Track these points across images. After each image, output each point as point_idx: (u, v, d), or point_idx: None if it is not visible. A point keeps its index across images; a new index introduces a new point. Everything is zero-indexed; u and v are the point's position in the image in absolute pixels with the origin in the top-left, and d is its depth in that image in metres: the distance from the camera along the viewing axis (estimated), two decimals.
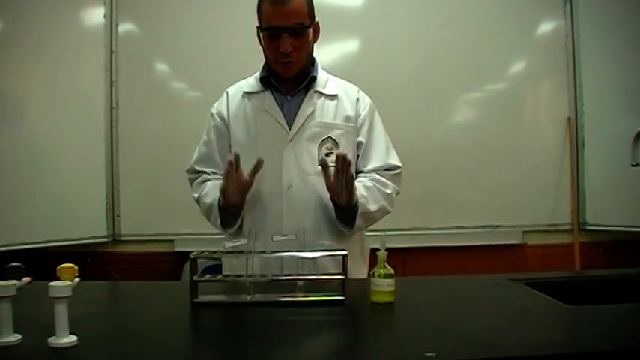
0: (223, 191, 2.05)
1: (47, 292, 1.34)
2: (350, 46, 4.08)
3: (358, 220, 2.10)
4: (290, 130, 2.17)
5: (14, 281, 1.38)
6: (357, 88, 2.33)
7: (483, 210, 4.05)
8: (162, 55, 4.03)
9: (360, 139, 2.25)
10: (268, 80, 2.23)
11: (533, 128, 4.14)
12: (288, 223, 2.07)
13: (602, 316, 1.65)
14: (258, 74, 2.27)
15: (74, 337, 1.35)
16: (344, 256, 1.80)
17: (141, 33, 4.03)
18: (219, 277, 1.94)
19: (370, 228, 2.26)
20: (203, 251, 1.85)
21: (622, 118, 3.78)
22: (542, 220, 4.07)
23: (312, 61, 2.26)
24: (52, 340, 1.34)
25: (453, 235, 4.02)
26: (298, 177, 2.16)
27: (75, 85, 3.79)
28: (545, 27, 4.12)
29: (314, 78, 2.23)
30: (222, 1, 3.99)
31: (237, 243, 2.11)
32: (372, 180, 2.20)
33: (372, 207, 2.12)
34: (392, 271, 1.74)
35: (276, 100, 2.22)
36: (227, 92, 2.33)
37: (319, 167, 2.14)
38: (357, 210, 2.08)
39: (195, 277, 1.77)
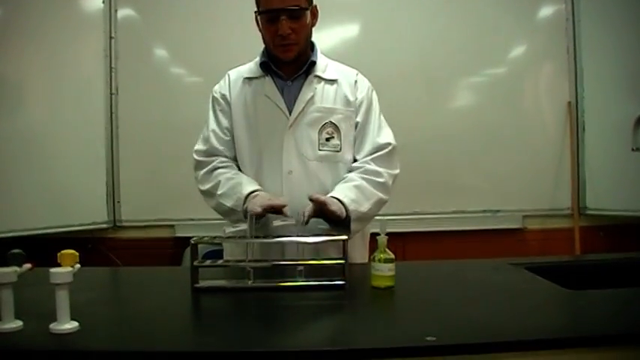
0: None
1: (48, 279, 1.35)
2: (350, 30, 4.06)
3: (353, 226, 2.05)
4: (290, 115, 2.16)
5: (15, 268, 1.38)
6: (355, 72, 2.31)
7: (483, 194, 4.05)
8: (161, 41, 4.01)
9: (357, 119, 2.23)
10: (268, 66, 2.21)
11: (534, 113, 4.13)
12: (289, 209, 2.06)
13: (601, 300, 1.66)
14: (257, 59, 2.25)
15: (75, 323, 1.36)
16: (344, 240, 1.80)
17: (140, 18, 4.01)
18: (219, 262, 1.95)
19: None
20: (203, 237, 1.86)
21: (622, 102, 3.77)
22: (543, 204, 4.07)
23: (311, 46, 2.25)
24: (53, 326, 1.35)
25: (453, 219, 4.02)
26: (298, 162, 2.15)
27: (74, 72, 3.77)
28: (546, 11, 4.10)
29: (313, 63, 2.21)
30: None
31: (238, 228, 2.11)
32: (363, 173, 2.16)
33: (364, 207, 2.07)
34: (392, 256, 1.74)
35: (276, 85, 2.21)
36: (228, 75, 2.31)
37: (319, 152, 2.14)
38: (350, 218, 2.03)
39: (195, 263, 1.78)
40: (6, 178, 3.41)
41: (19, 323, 1.37)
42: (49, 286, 1.35)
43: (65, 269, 1.36)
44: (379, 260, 1.74)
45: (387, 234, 1.76)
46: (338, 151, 2.19)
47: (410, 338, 1.33)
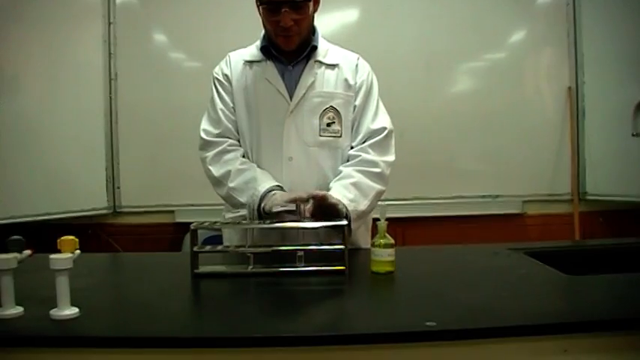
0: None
1: (48, 265, 1.35)
2: (349, 15, 4.04)
3: (354, 225, 2.03)
4: (291, 100, 2.15)
5: (15, 254, 1.38)
6: (357, 56, 2.29)
7: (483, 179, 4.05)
8: (160, 26, 4.00)
9: (355, 102, 2.21)
10: (269, 50, 2.19)
11: (534, 98, 4.12)
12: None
13: (601, 285, 1.66)
14: (258, 43, 2.23)
15: (76, 309, 1.36)
16: (344, 226, 1.80)
17: (139, 4, 3.99)
18: (219, 248, 1.95)
19: None
20: (203, 222, 1.86)
21: (622, 87, 3.76)
22: (542, 189, 4.07)
23: (312, 31, 2.22)
24: (53, 312, 1.35)
25: (452, 204, 4.02)
26: (299, 149, 2.14)
27: (73, 57, 3.76)
28: None
29: (315, 48, 2.19)
30: None
31: (238, 214, 2.11)
32: (359, 164, 2.14)
33: (363, 205, 2.05)
34: (392, 241, 1.74)
35: (277, 70, 2.19)
36: (229, 56, 2.29)
37: (319, 138, 2.13)
38: (350, 218, 1.99)
39: (195, 249, 1.78)
40: (6, 164, 3.41)
41: (19, 309, 1.38)
42: (49, 272, 1.35)
43: (65, 255, 1.36)
44: (379, 245, 1.74)
45: (387, 219, 1.76)
46: (339, 137, 2.17)
47: (410, 323, 1.33)
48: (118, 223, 3.99)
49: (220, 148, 2.17)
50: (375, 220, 1.79)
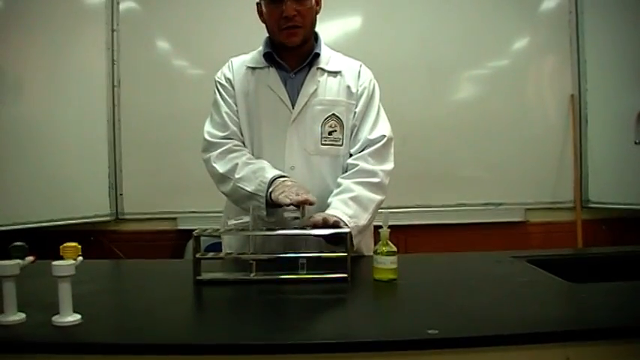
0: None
1: (51, 271, 1.35)
2: (352, 22, 4.05)
3: (355, 240, 1.99)
4: (293, 109, 2.14)
5: (18, 260, 1.38)
6: (359, 63, 2.28)
7: (486, 187, 4.05)
8: (163, 33, 4.01)
9: (356, 109, 2.20)
10: (271, 56, 2.19)
11: (536, 105, 4.13)
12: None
13: (604, 293, 1.66)
14: (261, 49, 2.23)
15: (78, 316, 1.36)
16: (347, 233, 1.80)
17: (142, 11, 4.00)
18: (222, 254, 1.95)
19: None
20: (206, 229, 1.86)
21: (625, 95, 3.77)
22: (545, 197, 4.07)
23: (315, 38, 2.22)
24: (55, 318, 1.35)
25: (455, 212, 4.02)
26: (301, 158, 2.13)
27: (76, 64, 3.77)
28: (549, 3, 4.09)
29: (317, 55, 2.19)
30: None
31: (241, 221, 2.11)
32: (357, 176, 2.11)
33: (363, 220, 2.04)
34: (394, 249, 1.74)
35: (279, 77, 2.18)
36: (231, 61, 2.28)
37: (321, 147, 2.13)
38: (350, 235, 1.92)
39: (198, 255, 1.78)
40: (8, 170, 3.41)
41: (21, 316, 1.37)
42: (51, 279, 1.35)
43: (68, 262, 1.36)
44: (381, 253, 1.74)
45: (390, 227, 1.76)
46: (340, 145, 2.17)
47: (412, 331, 1.33)
48: (120, 230, 3.99)
49: (225, 147, 2.14)
50: (378, 227, 1.78)
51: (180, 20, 3.97)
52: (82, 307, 1.39)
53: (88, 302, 1.47)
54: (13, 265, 1.36)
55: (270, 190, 1.97)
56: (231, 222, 2.17)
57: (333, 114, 2.16)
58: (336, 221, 1.92)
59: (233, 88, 2.21)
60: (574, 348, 1.30)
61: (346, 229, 1.83)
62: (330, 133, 2.15)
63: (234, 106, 2.20)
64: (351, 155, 2.18)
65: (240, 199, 2.09)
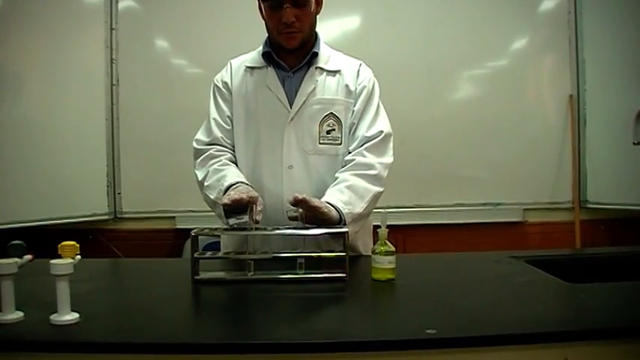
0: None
1: (49, 270, 1.35)
2: (351, 22, 4.06)
3: (350, 228, 1.94)
4: (291, 108, 2.14)
5: (16, 259, 1.38)
6: (359, 62, 2.27)
7: (484, 187, 4.05)
8: (162, 32, 4.01)
9: (355, 107, 2.19)
10: (270, 56, 2.19)
11: (535, 105, 4.13)
12: (289, 204, 2.05)
13: (602, 293, 1.66)
14: (260, 49, 2.23)
15: (76, 315, 1.36)
16: (345, 233, 1.80)
17: (141, 9, 4.00)
18: (220, 254, 1.94)
19: None
20: (204, 228, 1.85)
21: (624, 95, 3.77)
22: (543, 197, 4.07)
23: (314, 37, 2.22)
24: (53, 317, 1.35)
25: (453, 212, 4.02)
26: (299, 157, 2.13)
27: (75, 63, 3.77)
28: (548, 3, 4.09)
29: (316, 54, 2.18)
30: None
31: (242, 220, 2.10)
32: (354, 168, 2.10)
33: (359, 208, 2.01)
34: (393, 249, 1.74)
35: (278, 76, 2.18)
36: (230, 63, 2.29)
37: (319, 146, 2.12)
38: (344, 221, 1.95)
39: (196, 255, 1.78)
40: (6, 169, 3.41)
41: (19, 314, 1.37)
42: (49, 278, 1.35)
43: (66, 261, 1.36)
44: (380, 253, 1.74)
45: (388, 226, 1.76)
46: (338, 144, 2.16)
47: (410, 331, 1.33)
48: (118, 229, 3.99)
49: (207, 154, 2.16)
50: (376, 227, 1.78)
51: (179, 19, 3.97)
52: (80, 305, 1.39)
53: (86, 301, 1.47)
54: (11, 263, 1.36)
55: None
56: (232, 221, 2.16)
57: (331, 113, 2.15)
58: (316, 206, 1.89)
59: (229, 91, 2.22)
60: (572, 348, 1.30)
61: (344, 229, 1.83)
62: (328, 132, 2.14)
63: (226, 111, 2.21)
64: (349, 153, 2.17)
65: (210, 205, 2.10)
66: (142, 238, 3.94)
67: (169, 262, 2.68)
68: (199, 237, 1.81)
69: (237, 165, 2.16)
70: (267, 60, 2.19)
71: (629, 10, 3.81)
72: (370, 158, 2.12)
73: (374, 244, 1.80)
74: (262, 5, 2.09)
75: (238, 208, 1.85)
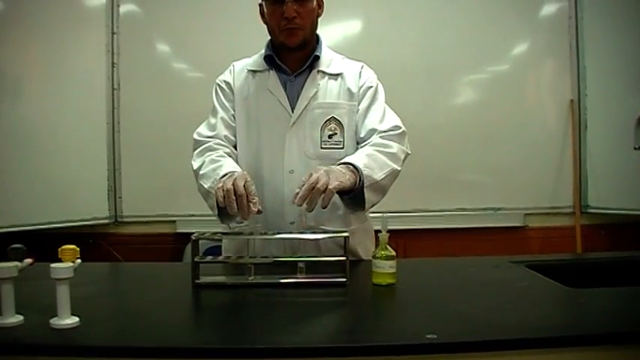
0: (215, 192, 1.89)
1: (49, 274, 1.34)
2: (352, 26, 4.06)
3: (367, 194, 1.95)
4: (293, 112, 2.14)
5: (16, 263, 1.38)
6: (361, 64, 2.28)
7: (485, 192, 4.05)
8: (163, 36, 4.02)
9: (359, 107, 2.19)
10: (272, 59, 2.19)
11: (536, 110, 4.13)
12: (290, 208, 2.04)
13: (602, 298, 1.66)
14: (263, 52, 2.23)
15: (76, 318, 1.36)
16: (345, 237, 1.80)
17: (142, 14, 4.01)
18: (220, 258, 1.94)
19: (371, 209, 2.13)
20: (204, 233, 1.85)
21: (625, 100, 3.77)
22: (544, 202, 4.07)
23: (316, 40, 2.22)
24: (53, 321, 1.35)
25: (454, 216, 4.02)
26: (300, 162, 2.12)
27: (76, 67, 3.78)
28: (549, 8, 4.09)
29: (317, 57, 2.18)
30: None
31: (244, 224, 2.09)
32: (373, 145, 2.08)
33: (379, 174, 1.97)
34: (393, 253, 1.74)
35: (279, 80, 2.18)
36: (233, 65, 2.29)
37: (321, 151, 2.12)
38: (363, 185, 1.94)
39: (196, 259, 1.78)
40: (7, 172, 3.42)
41: (19, 318, 1.37)
42: (49, 281, 1.35)
43: (66, 264, 1.36)
44: (380, 257, 1.73)
45: (389, 231, 1.76)
46: (341, 148, 2.15)
47: (411, 336, 1.33)
48: (119, 233, 3.99)
49: (206, 145, 2.15)
50: (377, 231, 1.78)
51: (180, 23, 3.98)
52: (81, 309, 1.39)
53: (86, 305, 1.47)
54: (11, 267, 1.36)
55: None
56: (234, 225, 2.16)
57: (333, 117, 2.15)
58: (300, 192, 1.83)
59: (232, 92, 2.22)
60: (572, 353, 1.30)
61: (345, 233, 1.82)
62: (330, 137, 2.14)
63: (231, 110, 2.21)
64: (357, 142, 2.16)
65: (203, 196, 2.06)
66: (142, 242, 3.94)
67: (170, 267, 2.68)
68: (200, 241, 1.81)
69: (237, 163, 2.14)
70: (269, 63, 2.19)
71: (630, 15, 3.82)
72: (387, 141, 2.10)
73: (375, 248, 1.80)
74: (264, 4, 2.10)
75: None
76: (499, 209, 4.05)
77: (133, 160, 3.96)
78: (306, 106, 2.14)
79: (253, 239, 1.85)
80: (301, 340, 1.34)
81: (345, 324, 1.54)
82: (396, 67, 3.82)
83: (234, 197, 1.79)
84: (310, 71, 2.19)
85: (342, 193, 1.94)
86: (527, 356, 1.29)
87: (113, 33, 3.93)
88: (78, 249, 1.41)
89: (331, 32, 3.76)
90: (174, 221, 3.98)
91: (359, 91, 2.20)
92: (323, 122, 2.15)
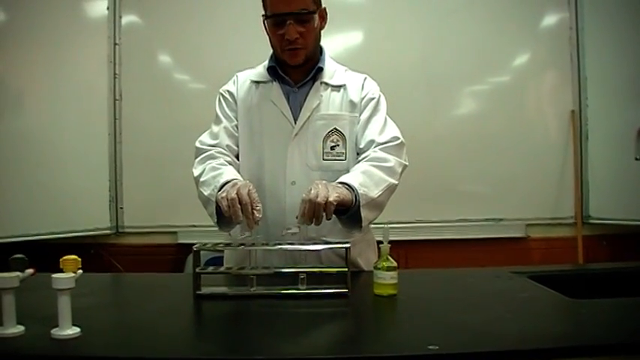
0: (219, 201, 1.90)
1: (50, 284, 1.34)
2: (352, 37, 4.07)
3: (364, 213, 1.93)
4: (295, 123, 2.13)
5: (17, 273, 1.38)
6: (364, 76, 2.27)
7: (486, 203, 4.05)
8: (165, 47, 4.03)
9: (360, 117, 2.18)
10: (275, 70, 2.19)
11: (537, 121, 4.14)
12: (291, 219, 2.04)
13: (604, 309, 1.65)
14: (266, 63, 2.23)
15: (77, 329, 1.36)
16: (347, 248, 1.80)
17: (144, 25, 4.03)
18: (222, 269, 1.94)
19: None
20: (206, 243, 1.85)
21: (626, 111, 3.78)
22: (546, 213, 4.07)
23: (319, 51, 2.22)
24: (55, 331, 1.35)
25: (455, 227, 4.02)
26: (302, 173, 2.11)
27: (78, 77, 3.79)
28: (550, 19, 4.11)
29: (321, 69, 2.18)
30: None
31: (246, 235, 2.09)
32: (369, 160, 2.07)
33: (375, 192, 1.96)
34: (395, 264, 1.74)
35: (282, 91, 2.18)
36: (237, 76, 2.29)
37: (323, 162, 2.12)
38: (359, 204, 1.92)
39: (198, 270, 1.78)
40: (9, 182, 3.42)
41: (20, 328, 1.37)
42: (51, 292, 1.35)
43: (67, 275, 1.36)
44: (382, 268, 1.73)
45: (390, 242, 1.76)
46: (343, 160, 2.15)
47: (412, 347, 1.33)
48: (120, 244, 3.99)
49: (208, 153, 2.16)
50: (378, 242, 1.78)
51: (182, 35, 3.99)
52: (82, 320, 1.39)
53: (87, 315, 1.47)
54: (12, 277, 1.36)
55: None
56: (234, 234, 2.14)
57: (335, 128, 2.15)
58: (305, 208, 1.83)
59: (236, 102, 2.23)
60: None
61: (346, 245, 1.82)
62: (332, 148, 2.14)
63: (234, 120, 2.22)
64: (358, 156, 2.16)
65: (203, 204, 2.06)
66: (143, 253, 3.94)
67: (171, 277, 2.67)
68: (201, 252, 1.81)
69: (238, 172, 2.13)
70: (273, 75, 2.20)
71: (631, 26, 3.83)
72: (385, 154, 2.09)
73: (376, 259, 1.80)
74: (266, 22, 2.09)
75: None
76: (500, 220, 4.05)
77: (134, 171, 3.97)
78: (309, 117, 2.14)
79: (255, 250, 1.85)
80: (303, 351, 1.34)
81: (347, 335, 1.53)
82: (397, 78, 3.83)
83: (238, 206, 1.80)
84: (313, 83, 2.19)
85: (339, 212, 1.93)
86: None
87: (115, 44, 3.95)
88: (79, 259, 1.41)
89: (332, 43, 3.76)
90: (175, 232, 3.98)
91: (361, 102, 2.20)
92: (325, 134, 2.14)
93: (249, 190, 1.83)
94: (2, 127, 3.45)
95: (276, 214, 2.10)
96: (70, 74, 3.73)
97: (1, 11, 3.52)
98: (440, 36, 4.05)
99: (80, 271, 1.41)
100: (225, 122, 2.22)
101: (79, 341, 1.34)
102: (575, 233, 4.02)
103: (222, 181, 1.96)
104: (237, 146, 2.21)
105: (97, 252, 3.88)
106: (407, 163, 2.16)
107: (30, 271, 1.42)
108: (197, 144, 2.22)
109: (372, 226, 2.24)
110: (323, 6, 2.14)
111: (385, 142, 2.13)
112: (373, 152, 2.11)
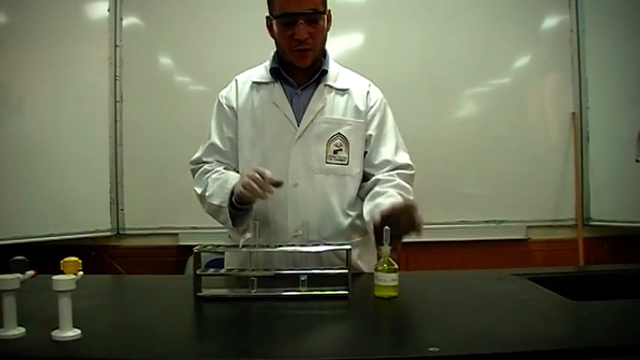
0: (238, 192, 1.97)
1: (51, 286, 1.34)
2: (354, 40, 4.07)
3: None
4: (299, 126, 2.12)
5: (18, 275, 1.38)
6: (368, 82, 2.27)
7: (487, 205, 4.05)
8: (166, 49, 4.03)
9: (369, 132, 2.18)
10: (278, 72, 2.17)
11: (538, 123, 4.14)
12: (293, 221, 2.04)
13: (605, 311, 1.65)
14: (267, 64, 2.21)
15: (78, 331, 1.36)
16: (347, 250, 1.80)
17: (145, 27, 4.03)
18: (222, 271, 1.94)
19: None
20: (207, 245, 1.85)
21: (627, 113, 3.78)
22: (546, 215, 4.07)
23: (323, 53, 2.20)
24: (55, 333, 1.35)
25: (456, 229, 4.02)
26: (305, 175, 2.11)
27: (79, 79, 3.79)
28: (550, 22, 4.11)
29: (325, 71, 2.17)
30: None
31: (248, 237, 2.09)
32: (396, 188, 2.09)
33: None
34: (395, 266, 1.73)
35: (285, 93, 2.16)
36: (236, 80, 2.27)
37: (326, 165, 2.12)
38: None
39: (198, 271, 1.77)
40: (10, 184, 3.42)
41: (21, 330, 1.37)
42: (51, 293, 1.35)
43: (68, 277, 1.36)
44: (382, 270, 1.73)
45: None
46: (345, 164, 2.15)
47: (413, 349, 1.33)
48: (121, 245, 3.99)
49: (201, 170, 2.19)
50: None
51: (183, 36, 3.99)
52: (82, 322, 1.38)
53: (88, 317, 1.47)
54: (13, 279, 1.36)
55: (234, 197, 2.00)
56: (240, 238, 2.14)
57: (339, 133, 2.14)
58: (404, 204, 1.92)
59: (234, 110, 2.21)
60: None
61: (347, 246, 1.82)
62: (335, 152, 2.13)
63: (226, 132, 2.21)
64: (368, 175, 2.19)
65: (214, 214, 2.11)
66: (144, 255, 3.93)
67: (172, 279, 2.67)
68: (202, 254, 1.81)
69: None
70: (275, 75, 2.18)
71: (631, 28, 3.83)
72: (408, 185, 2.15)
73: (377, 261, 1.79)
74: (274, 22, 2.07)
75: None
76: (501, 222, 4.05)
77: (135, 173, 3.97)
78: (313, 120, 2.13)
79: (255, 252, 1.84)
80: (303, 352, 1.34)
81: (347, 337, 1.53)
82: (398, 81, 3.83)
83: (254, 184, 1.88)
84: (317, 85, 2.17)
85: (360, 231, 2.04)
86: None
87: (116, 46, 3.95)
88: (80, 261, 1.41)
89: (334, 46, 3.72)
90: (176, 234, 3.98)
91: (367, 112, 2.20)
92: (329, 138, 2.14)
93: (253, 169, 1.91)
94: (3, 128, 3.45)
95: (278, 216, 2.10)
96: (70, 76, 3.73)
97: (3, 13, 3.52)
98: (441, 38, 4.05)
99: (81, 272, 1.40)
100: (215, 137, 2.23)
101: (79, 343, 1.34)
102: (576, 235, 4.01)
103: (230, 187, 2.01)
104: (227, 157, 2.21)
105: (98, 254, 3.87)
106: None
107: (30, 272, 1.42)
108: (190, 165, 2.26)
109: None
110: (328, 8, 2.13)
111: (401, 168, 2.17)
112: (398, 178, 2.14)
